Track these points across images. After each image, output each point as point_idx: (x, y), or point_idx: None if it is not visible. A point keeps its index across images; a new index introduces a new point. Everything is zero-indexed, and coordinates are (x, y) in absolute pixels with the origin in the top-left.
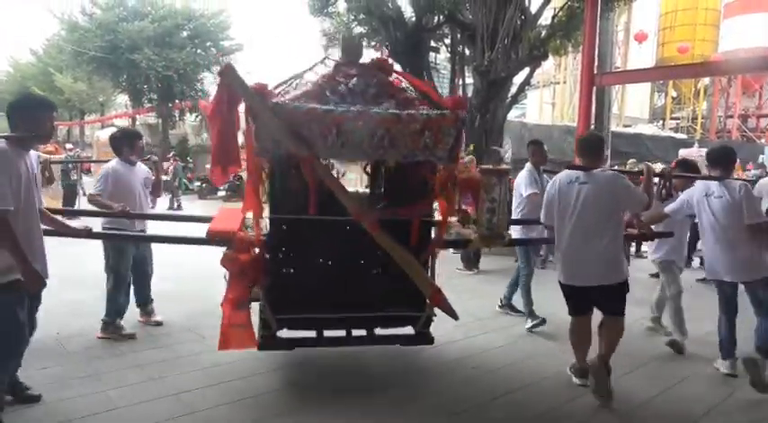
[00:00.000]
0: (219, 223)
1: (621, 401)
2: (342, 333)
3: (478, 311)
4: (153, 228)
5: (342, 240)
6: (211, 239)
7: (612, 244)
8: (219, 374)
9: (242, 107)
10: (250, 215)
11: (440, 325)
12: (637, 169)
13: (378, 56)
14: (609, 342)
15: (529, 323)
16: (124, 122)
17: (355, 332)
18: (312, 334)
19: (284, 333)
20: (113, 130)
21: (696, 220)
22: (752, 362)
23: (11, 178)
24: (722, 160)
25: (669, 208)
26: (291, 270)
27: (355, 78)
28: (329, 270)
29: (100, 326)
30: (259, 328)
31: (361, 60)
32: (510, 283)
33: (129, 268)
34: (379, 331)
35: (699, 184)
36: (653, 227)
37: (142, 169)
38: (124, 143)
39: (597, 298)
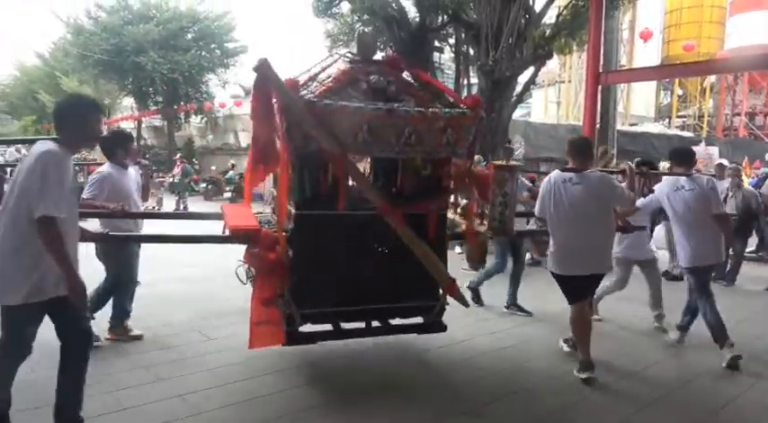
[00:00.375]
0: (233, 220)
1: (629, 401)
2: (359, 325)
3: (484, 312)
4: (156, 229)
5: (363, 234)
6: (235, 237)
7: (605, 237)
8: (226, 375)
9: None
10: (261, 209)
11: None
12: (618, 169)
13: (388, 53)
14: (582, 339)
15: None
16: (130, 125)
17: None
18: (330, 327)
19: (306, 327)
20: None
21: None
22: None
23: (63, 183)
24: (687, 159)
25: (640, 202)
26: (316, 265)
27: (374, 76)
28: (351, 264)
29: (107, 327)
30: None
31: (375, 57)
32: (510, 283)
33: (137, 274)
34: (395, 321)
35: (666, 180)
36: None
37: (135, 173)
38: (118, 146)
39: (586, 285)
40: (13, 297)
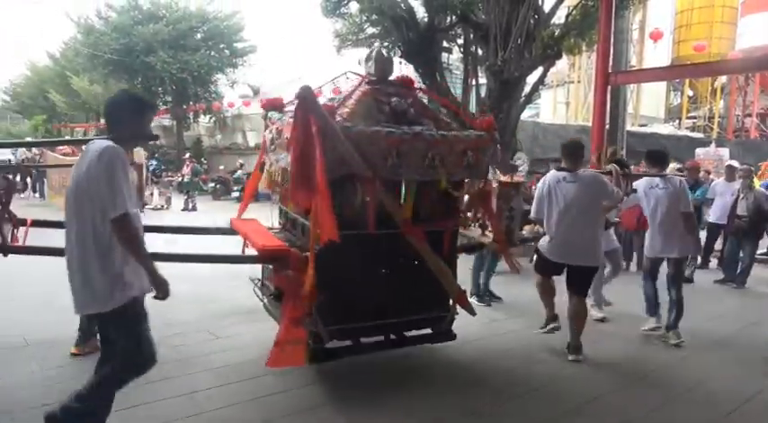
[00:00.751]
0: (257, 239)
1: (637, 406)
2: (376, 338)
3: (492, 313)
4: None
5: (384, 252)
6: (264, 258)
7: (594, 230)
8: (231, 374)
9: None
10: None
11: (454, 326)
12: (605, 170)
13: (402, 74)
14: (577, 326)
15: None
16: None
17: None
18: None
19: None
20: None
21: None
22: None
23: (129, 180)
24: (661, 160)
25: (626, 200)
26: (342, 282)
27: (395, 98)
28: (373, 280)
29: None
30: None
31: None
32: (483, 271)
33: None
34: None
35: (645, 179)
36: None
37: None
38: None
39: (572, 275)
40: (100, 305)
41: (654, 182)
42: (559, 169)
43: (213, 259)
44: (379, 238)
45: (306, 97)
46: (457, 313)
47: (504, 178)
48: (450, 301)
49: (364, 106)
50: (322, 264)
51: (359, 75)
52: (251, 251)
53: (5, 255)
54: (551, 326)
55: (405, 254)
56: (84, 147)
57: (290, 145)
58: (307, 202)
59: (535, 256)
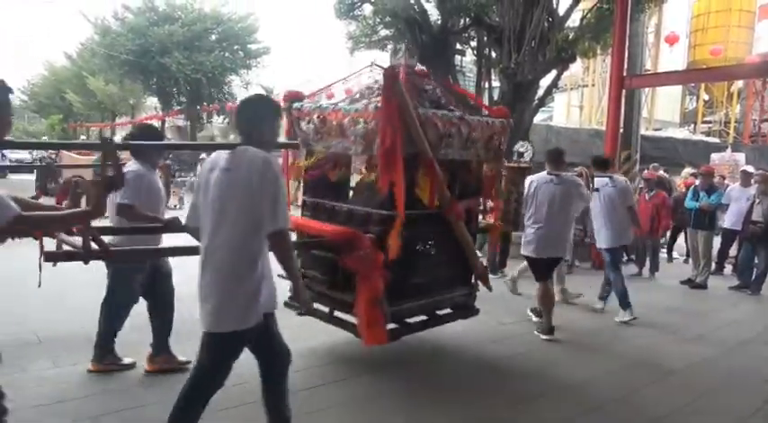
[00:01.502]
0: (315, 226)
1: (646, 411)
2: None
3: (503, 316)
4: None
5: (429, 231)
6: (339, 242)
7: (568, 227)
8: (243, 373)
9: None
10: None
11: (464, 330)
12: (577, 172)
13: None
14: (547, 307)
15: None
16: (154, 124)
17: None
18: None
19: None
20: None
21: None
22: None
23: None
24: (605, 164)
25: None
26: (404, 263)
27: (429, 86)
28: (423, 259)
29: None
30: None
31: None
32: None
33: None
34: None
35: (598, 180)
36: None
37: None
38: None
39: (539, 265)
40: (238, 323)
41: (603, 182)
42: (549, 173)
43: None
44: (427, 218)
45: (393, 75)
46: (478, 289)
47: (510, 164)
48: (473, 278)
49: (413, 92)
50: (384, 245)
51: (382, 67)
52: None
53: (86, 262)
54: (547, 337)
55: (443, 232)
56: (224, 153)
57: (380, 124)
58: (397, 179)
59: (525, 263)
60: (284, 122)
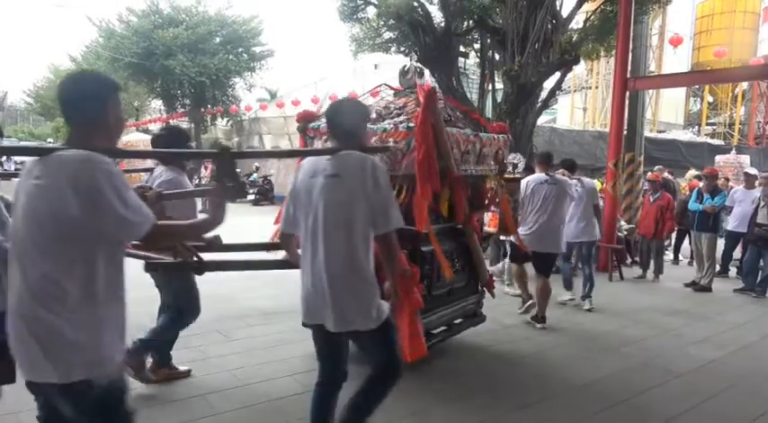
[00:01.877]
0: None
1: (655, 413)
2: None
3: (505, 319)
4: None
5: (448, 243)
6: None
7: (561, 223)
8: (246, 376)
9: None
10: None
11: (466, 331)
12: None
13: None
14: (544, 300)
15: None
16: (158, 127)
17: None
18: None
19: None
20: (142, 135)
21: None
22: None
23: None
24: (574, 166)
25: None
26: (434, 275)
27: (440, 105)
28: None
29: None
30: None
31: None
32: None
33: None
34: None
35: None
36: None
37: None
38: (179, 145)
39: (540, 261)
40: (377, 318)
41: (574, 182)
42: (545, 174)
43: None
44: (450, 230)
45: (433, 99)
46: (484, 296)
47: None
48: (479, 286)
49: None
50: (426, 257)
51: (393, 88)
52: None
53: (201, 273)
54: (529, 303)
55: (460, 244)
56: (323, 158)
57: (416, 141)
58: (438, 190)
59: (509, 248)
60: (299, 143)
